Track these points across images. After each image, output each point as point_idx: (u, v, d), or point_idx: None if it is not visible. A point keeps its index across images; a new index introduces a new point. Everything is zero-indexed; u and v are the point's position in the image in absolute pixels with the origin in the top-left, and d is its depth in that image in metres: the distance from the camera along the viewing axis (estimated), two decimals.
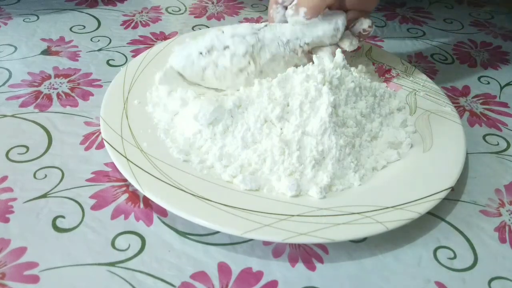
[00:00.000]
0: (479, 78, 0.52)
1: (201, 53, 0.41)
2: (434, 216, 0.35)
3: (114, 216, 0.33)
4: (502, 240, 0.34)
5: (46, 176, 0.35)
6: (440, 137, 0.39)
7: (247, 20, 0.59)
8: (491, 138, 0.44)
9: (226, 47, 0.40)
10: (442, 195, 0.34)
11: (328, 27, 0.40)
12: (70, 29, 0.53)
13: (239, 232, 0.30)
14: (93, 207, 0.33)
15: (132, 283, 0.29)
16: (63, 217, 0.33)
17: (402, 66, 0.48)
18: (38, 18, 0.55)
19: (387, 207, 0.33)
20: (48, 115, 0.41)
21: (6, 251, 0.30)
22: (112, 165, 0.36)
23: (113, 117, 0.38)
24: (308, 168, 0.34)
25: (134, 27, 0.55)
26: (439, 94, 0.44)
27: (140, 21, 0.56)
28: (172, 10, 0.60)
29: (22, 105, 0.42)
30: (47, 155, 0.37)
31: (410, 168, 0.37)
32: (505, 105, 0.48)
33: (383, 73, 0.47)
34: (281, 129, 0.36)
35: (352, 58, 0.48)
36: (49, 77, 0.45)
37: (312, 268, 0.31)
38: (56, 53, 0.49)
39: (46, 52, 0.49)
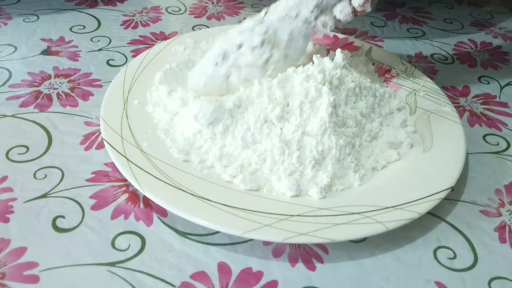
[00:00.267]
0: (479, 78, 0.52)
1: (216, 63, 0.39)
2: (434, 216, 0.35)
3: (114, 216, 0.33)
4: (502, 240, 0.34)
5: (46, 176, 0.35)
6: (440, 137, 0.39)
7: None
8: (491, 138, 0.44)
9: (240, 45, 0.38)
10: (442, 195, 0.34)
11: None
12: (70, 29, 0.53)
13: (239, 232, 0.30)
14: (93, 207, 0.33)
15: (132, 283, 0.29)
16: (63, 217, 0.33)
17: (402, 66, 0.48)
18: (38, 18, 0.55)
19: (387, 207, 0.33)
20: (48, 115, 0.41)
21: (6, 251, 0.30)
22: (112, 165, 0.36)
23: (113, 117, 0.38)
24: (308, 168, 0.34)
25: (134, 27, 0.55)
26: (439, 94, 0.44)
27: (140, 21, 0.56)
28: (172, 10, 0.60)
29: (22, 105, 0.42)
30: (47, 155, 0.37)
31: (410, 168, 0.37)
32: (505, 105, 0.48)
33: (383, 73, 0.47)
34: (281, 129, 0.36)
35: (352, 58, 0.48)
36: (49, 77, 0.45)
37: (312, 268, 0.31)
38: (56, 53, 0.49)
39: (46, 52, 0.49)
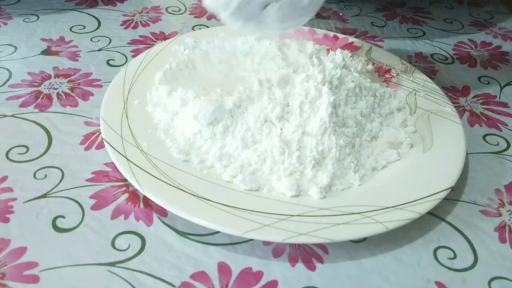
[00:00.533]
0: (479, 78, 0.52)
1: None
2: (434, 216, 0.35)
3: (114, 216, 0.33)
4: (502, 240, 0.34)
5: (46, 176, 0.35)
6: (440, 137, 0.39)
7: None
8: (491, 138, 0.44)
9: None
10: (442, 195, 0.34)
11: None
12: (70, 29, 0.53)
13: (239, 232, 0.30)
14: (93, 207, 0.33)
15: (132, 283, 0.29)
16: (63, 217, 0.33)
17: (402, 66, 0.48)
18: (38, 18, 0.55)
19: (387, 207, 0.33)
20: (48, 115, 0.41)
21: (6, 251, 0.30)
22: (112, 165, 0.36)
23: (113, 117, 0.38)
24: (308, 168, 0.34)
25: (134, 27, 0.55)
26: (439, 94, 0.44)
27: (140, 21, 0.56)
28: (172, 10, 0.60)
29: (22, 105, 0.42)
30: (47, 155, 0.37)
31: (410, 168, 0.37)
32: (505, 105, 0.48)
33: (383, 73, 0.47)
34: (281, 129, 0.36)
35: (352, 58, 0.48)
36: (49, 77, 0.45)
37: (312, 268, 0.31)
38: (56, 53, 0.49)
39: (46, 52, 0.49)
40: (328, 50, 0.49)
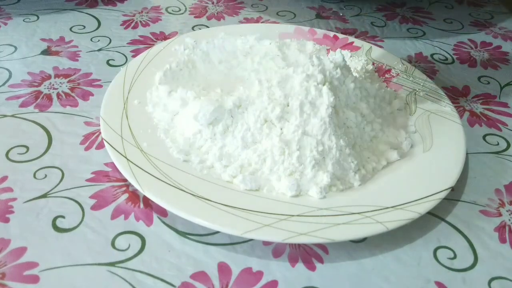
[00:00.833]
0: (479, 78, 0.52)
1: None
2: (434, 216, 0.35)
3: (114, 216, 0.33)
4: (502, 240, 0.34)
5: (46, 176, 0.35)
6: (440, 137, 0.39)
7: (247, 20, 0.59)
8: (491, 138, 0.44)
9: None
10: (442, 195, 0.34)
11: None
12: (70, 29, 0.53)
13: (239, 232, 0.30)
14: (93, 207, 0.33)
15: (132, 283, 0.29)
16: (63, 217, 0.33)
17: (402, 66, 0.48)
18: (38, 18, 0.55)
19: (387, 207, 0.33)
20: (48, 115, 0.41)
21: (6, 251, 0.30)
22: (112, 165, 0.36)
23: (113, 117, 0.38)
24: (308, 168, 0.34)
25: (134, 27, 0.55)
26: (439, 94, 0.45)
27: (140, 21, 0.56)
28: (172, 10, 0.60)
29: (22, 105, 0.42)
30: (47, 155, 0.37)
31: (410, 168, 0.37)
32: (505, 105, 0.48)
33: (383, 73, 0.47)
34: (281, 129, 0.36)
35: (352, 58, 0.48)
36: (49, 77, 0.45)
37: (312, 268, 0.31)
38: (56, 53, 0.49)
39: (46, 52, 0.49)
40: (328, 50, 0.49)
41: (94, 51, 0.50)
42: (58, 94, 0.43)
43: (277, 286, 0.30)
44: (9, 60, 0.47)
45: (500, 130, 0.45)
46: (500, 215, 0.36)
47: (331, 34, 0.52)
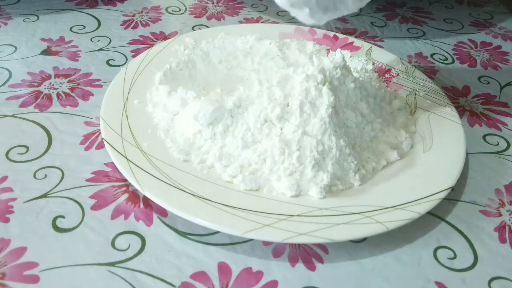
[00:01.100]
0: (479, 78, 0.52)
1: None
2: (434, 216, 0.35)
3: (114, 216, 0.33)
4: (502, 240, 0.34)
5: (46, 176, 0.35)
6: (440, 137, 0.39)
7: (247, 20, 0.59)
8: (491, 138, 0.44)
9: None
10: (442, 195, 0.34)
11: None
12: (70, 29, 0.53)
13: (239, 232, 0.30)
14: (93, 207, 0.33)
15: (132, 283, 0.29)
16: (63, 217, 0.33)
17: (402, 66, 0.48)
18: (38, 18, 0.55)
19: (387, 207, 0.33)
20: (48, 115, 0.41)
21: (6, 251, 0.30)
22: (112, 165, 0.36)
23: (113, 117, 0.38)
24: (308, 168, 0.34)
25: (134, 27, 0.55)
26: (439, 94, 0.45)
27: (140, 21, 0.56)
28: (172, 10, 0.60)
29: (22, 105, 0.42)
30: (47, 155, 0.37)
31: (410, 168, 0.37)
32: (505, 105, 0.48)
33: (383, 73, 0.47)
34: (281, 129, 0.36)
35: (352, 58, 0.48)
36: (49, 77, 0.45)
37: (312, 268, 0.31)
38: (56, 53, 0.49)
39: (46, 52, 0.49)
40: (328, 50, 0.49)
41: (94, 51, 0.50)
42: (58, 94, 0.43)
43: (277, 286, 0.30)
44: (9, 60, 0.47)
45: (500, 130, 0.45)
46: (500, 215, 0.36)
47: (331, 34, 0.52)
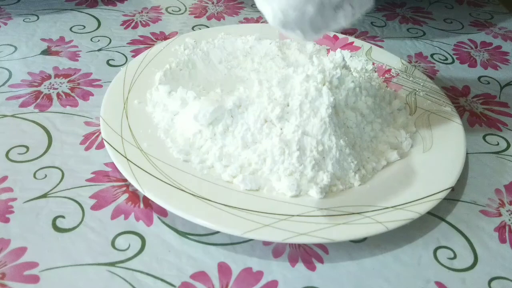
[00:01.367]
0: (479, 78, 0.52)
1: None
2: (434, 216, 0.35)
3: (114, 216, 0.33)
4: (502, 240, 0.34)
5: (46, 176, 0.35)
6: (440, 137, 0.39)
7: (247, 20, 0.59)
8: (491, 138, 0.44)
9: None
10: (442, 195, 0.34)
11: None
12: (70, 29, 0.53)
13: (239, 232, 0.30)
14: (93, 207, 0.33)
15: (132, 283, 0.29)
16: (63, 217, 0.33)
17: (402, 66, 0.48)
18: (38, 18, 0.55)
19: (387, 207, 0.33)
20: (48, 115, 0.41)
21: (6, 251, 0.30)
22: (112, 165, 0.36)
23: (113, 117, 0.38)
24: (308, 168, 0.34)
25: (134, 27, 0.55)
26: (439, 94, 0.45)
27: (140, 21, 0.56)
28: (172, 10, 0.60)
29: (22, 105, 0.42)
30: (47, 155, 0.37)
31: (410, 168, 0.37)
32: (505, 105, 0.48)
33: (383, 73, 0.47)
34: (281, 129, 0.36)
35: (352, 58, 0.48)
36: (49, 77, 0.45)
37: (312, 268, 0.31)
38: (56, 53, 0.49)
39: (46, 52, 0.49)
40: (328, 50, 0.49)
41: (94, 51, 0.50)
42: (58, 94, 0.43)
43: (277, 286, 0.30)
44: (9, 60, 0.47)
45: (500, 130, 0.45)
46: (500, 215, 0.36)
47: (331, 34, 0.52)
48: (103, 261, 0.30)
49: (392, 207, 0.33)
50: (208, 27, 0.56)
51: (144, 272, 0.30)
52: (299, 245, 0.32)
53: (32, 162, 0.36)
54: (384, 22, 0.62)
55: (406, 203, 0.33)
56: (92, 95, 0.44)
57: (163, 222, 0.33)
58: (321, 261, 0.32)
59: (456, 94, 0.49)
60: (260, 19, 0.59)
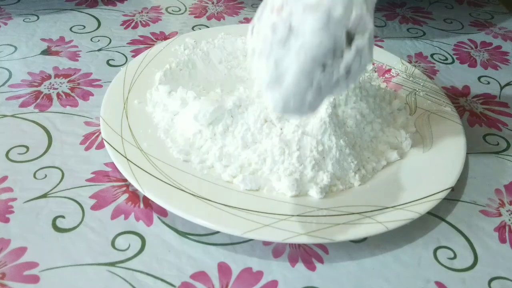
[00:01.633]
0: (479, 78, 0.52)
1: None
2: (434, 216, 0.35)
3: (114, 216, 0.33)
4: (502, 240, 0.34)
5: (46, 176, 0.35)
6: (440, 137, 0.39)
7: (247, 20, 0.59)
8: (491, 138, 0.44)
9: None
10: (442, 195, 0.34)
11: None
12: (70, 29, 0.53)
13: (239, 232, 0.30)
14: (93, 207, 0.33)
15: (132, 283, 0.29)
16: (63, 217, 0.33)
17: (402, 66, 0.48)
18: (38, 18, 0.55)
19: (387, 207, 0.33)
20: (48, 115, 0.41)
21: (6, 251, 0.30)
22: (112, 165, 0.36)
23: (113, 117, 0.38)
24: (308, 168, 0.34)
25: (134, 27, 0.55)
26: (439, 94, 0.45)
27: (140, 21, 0.56)
28: (172, 10, 0.60)
29: (22, 105, 0.42)
30: (47, 155, 0.37)
31: (410, 168, 0.37)
32: (505, 105, 0.48)
33: (383, 73, 0.47)
34: (281, 129, 0.36)
35: None
36: (49, 77, 0.45)
37: (312, 268, 0.31)
38: (56, 53, 0.49)
39: (46, 52, 0.49)
40: None
41: (94, 51, 0.50)
42: (58, 94, 0.43)
43: (277, 286, 0.30)
44: (9, 60, 0.47)
45: (500, 130, 0.45)
46: (500, 215, 0.36)
47: None
48: (103, 261, 0.30)
49: (392, 207, 0.33)
50: (208, 27, 0.56)
51: (144, 272, 0.30)
52: (299, 245, 0.32)
53: (32, 162, 0.36)
54: (384, 22, 0.62)
55: (406, 203, 0.33)
56: (92, 95, 0.44)
57: (163, 222, 0.33)
58: (321, 261, 0.32)
59: (456, 94, 0.49)
60: None
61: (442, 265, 0.32)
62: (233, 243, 0.32)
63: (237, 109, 0.37)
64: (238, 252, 0.32)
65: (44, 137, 0.39)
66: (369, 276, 0.31)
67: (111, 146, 0.35)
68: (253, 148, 0.36)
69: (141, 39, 0.53)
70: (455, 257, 0.33)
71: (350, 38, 0.25)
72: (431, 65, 0.53)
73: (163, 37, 0.54)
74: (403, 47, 0.56)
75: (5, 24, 0.53)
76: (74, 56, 0.48)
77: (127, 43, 0.52)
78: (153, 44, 0.51)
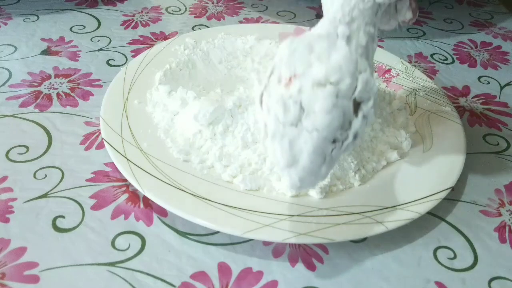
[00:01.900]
0: (479, 78, 0.52)
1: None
2: (434, 216, 0.35)
3: (114, 216, 0.33)
4: (502, 240, 0.34)
5: (46, 176, 0.35)
6: (440, 137, 0.39)
7: (247, 20, 0.59)
8: (491, 138, 0.44)
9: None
10: (442, 195, 0.34)
11: None
12: (70, 29, 0.53)
13: (239, 232, 0.30)
14: (93, 207, 0.33)
15: (132, 283, 0.29)
16: (63, 217, 0.33)
17: (402, 66, 0.48)
18: (38, 18, 0.55)
19: (387, 207, 0.33)
20: (48, 115, 0.41)
21: (6, 251, 0.30)
22: (112, 165, 0.36)
23: (113, 117, 0.38)
24: None
25: (134, 27, 0.55)
26: (439, 94, 0.45)
27: (140, 21, 0.56)
28: (172, 10, 0.60)
29: (22, 105, 0.42)
30: (47, 155, 0.37)
31: (410, 168, 0.37)
32: (505, 105, 0.48)
33: (383, 73, 0.47)
34: None
35: None
36: (49, 77, 0.45)
37: (312, 268, 0.31)
38: (56, 53, 0.49)
39: (46, 52, 0.49)
40: None
41: (94, 51, 0.50)
42: (58, 94, 0.43)
43: (277, 286, 0.30)
44: (9, 60, 0.47)
45: (500, 130, 0.45)
46: (500, 215, 0.36)
47: None
48: (103, 261, 0.30)
49: (392, 207, 0.33)
50: (208, 27, 0.56)
51: (144, 272, 0.30)
52: (299, 245, 0.32)
53: (32, 162, 0.36)
54: None
55: (406, 203, 0.33)
56: (92, 95, 0.44)
57: (163, 222, 0.33)
58: (321, 261, 0.32)
59: (456, 94, 0.49)
60: (260, 19, 0.59)
61: (442, 265, 0.32)
62: (233, 243, 0.32)
63: (237, 109, 0.37)
64: (238, 252, 0.32)
65: (44, 137, 0.39)
66: (369, 276, 0.31)
67: (111, 146, 0.35)
68: (253, 148, 0.36)
69: (141, 39, 0.53)
70: (455, 257, 0.33)
71: (356, 105, 0.26)
72: (431, 65, 0.53)
73: (163, 37, 0.54)
74: (403, 47, 0.56)
75: (5, 24, 0.53)
76: (74, 56, 0.48)
77: (127, 43, 0.52)
78: (153, 44, 0.51)
